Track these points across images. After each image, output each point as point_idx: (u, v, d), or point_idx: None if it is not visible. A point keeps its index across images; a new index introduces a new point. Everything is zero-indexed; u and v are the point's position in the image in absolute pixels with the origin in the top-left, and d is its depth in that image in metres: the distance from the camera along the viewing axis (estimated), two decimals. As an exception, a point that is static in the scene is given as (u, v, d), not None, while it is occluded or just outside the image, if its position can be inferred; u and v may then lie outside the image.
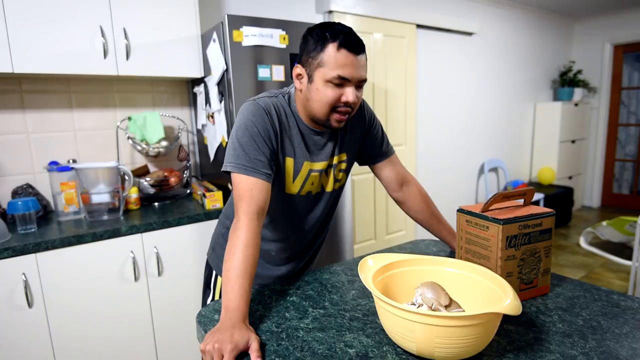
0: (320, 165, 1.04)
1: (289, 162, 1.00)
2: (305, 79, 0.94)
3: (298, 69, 0.95)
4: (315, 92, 0.92)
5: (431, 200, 1.21)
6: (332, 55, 0.88)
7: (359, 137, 1.13)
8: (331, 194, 1.12)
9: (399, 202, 1.22)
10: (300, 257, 1.19)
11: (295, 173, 1.02)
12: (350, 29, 0.92)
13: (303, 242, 1.15)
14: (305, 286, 0.99)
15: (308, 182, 1.04)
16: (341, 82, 0.90)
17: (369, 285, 0.70)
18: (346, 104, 0.92)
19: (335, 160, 1.08)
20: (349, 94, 0.91)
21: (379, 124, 1.17)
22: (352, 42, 0.89)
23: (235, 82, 1.75)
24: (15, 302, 1.43)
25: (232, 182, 0.94)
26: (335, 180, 1.10)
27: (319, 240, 1.22)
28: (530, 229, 0.86)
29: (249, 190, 0.90)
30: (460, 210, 0.93)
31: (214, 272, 1.20)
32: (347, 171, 1.13)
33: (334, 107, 0.93)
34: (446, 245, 1.22)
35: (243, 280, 0.81)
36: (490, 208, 0.90)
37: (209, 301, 1.21)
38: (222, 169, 0.95)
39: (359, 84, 0.94)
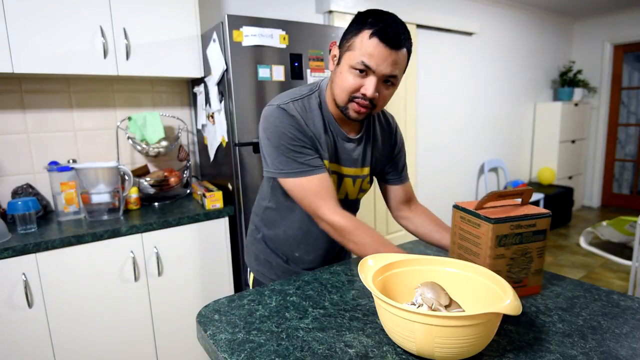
0: (349, 171, 1.04)
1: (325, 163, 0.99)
2: (336, 61, 0.93)
3: (334, 50, 0.93)
4: (339, 75, 0.90)
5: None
6: (362, 41, 0.85)
7: (387, 156, 1.13)
8: (356, 201, 1.13)
9: (403, 218, 1.19)
10: (329, 254, 1.18)
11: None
12: (397, 22, 0.84)
13: (332, 246, 1.15)
14: (305, 286, 0.99)
15: (342, 187, 1.05)
16: (364, 70, 0.86)
17: (369, 285, 0.70)
18: (364, 96, 0.88)
19: (366, 171, 1.08)
20: (369, 86, 0.86)
21: (404, 151, 1.17)
22: (388, 34, 0.83)
23: (235, 82, 1.75)
24: (15, 302, 1.43)
25: (285, 186, 0.95)
26: (361, 190, 1.11)
27: None
28: (523, 229, 0.85)
29: (316, 187, 0.90)
30: (455, 206, 0.93)
31: (248, 269, 1.21)
32: (371, 181, 1.14)
33: (352, 97, 0.89)
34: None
35: (386, 247, 0.86)
36: (488, 206, 0.90)
37: None
38: (276, 177, 0.95)
39: (387, 80, 0.89)
